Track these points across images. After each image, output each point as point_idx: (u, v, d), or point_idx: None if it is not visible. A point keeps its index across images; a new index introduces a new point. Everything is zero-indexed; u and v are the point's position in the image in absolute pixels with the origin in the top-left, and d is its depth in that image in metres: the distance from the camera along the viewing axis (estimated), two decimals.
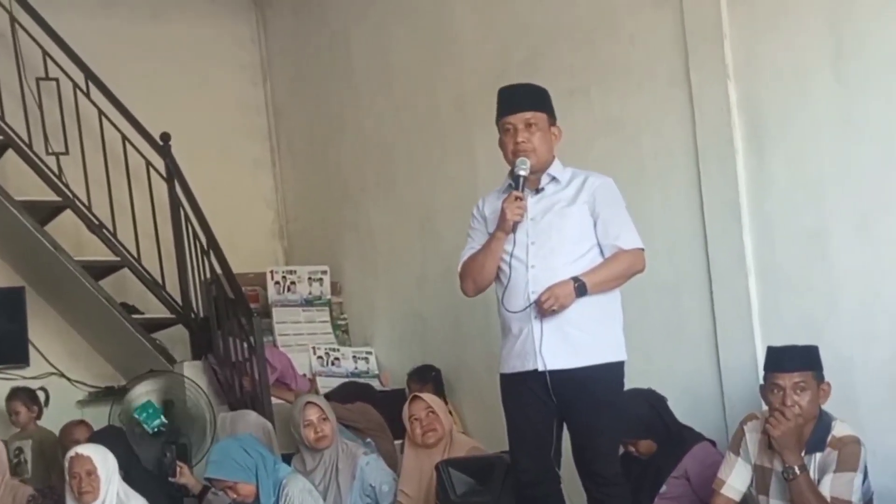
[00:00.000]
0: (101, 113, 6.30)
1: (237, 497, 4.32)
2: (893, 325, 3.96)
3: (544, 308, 3.66)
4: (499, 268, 3.83)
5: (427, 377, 5.91)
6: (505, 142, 3.81)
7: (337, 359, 6.56)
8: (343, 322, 6.95)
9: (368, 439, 5.26)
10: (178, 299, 6.27)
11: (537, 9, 5.42)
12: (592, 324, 3.72)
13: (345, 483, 4.85)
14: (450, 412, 5.67)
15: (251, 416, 5.18)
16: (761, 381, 3.93)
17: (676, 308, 4.73)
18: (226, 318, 5.87)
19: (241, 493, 4.30)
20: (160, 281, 6.28)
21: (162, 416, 5.46)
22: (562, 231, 3.76)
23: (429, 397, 4.97)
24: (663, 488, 4.31)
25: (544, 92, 3.87)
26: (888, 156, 3.98)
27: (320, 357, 6.54)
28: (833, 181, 4.16)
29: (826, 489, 3.66)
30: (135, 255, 6.23)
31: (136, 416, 5.52)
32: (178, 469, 4.97)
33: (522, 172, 3.73)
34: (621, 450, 4.24)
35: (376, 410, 5.57)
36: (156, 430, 5.46)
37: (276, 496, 4.30)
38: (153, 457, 5.31)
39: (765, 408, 3.90)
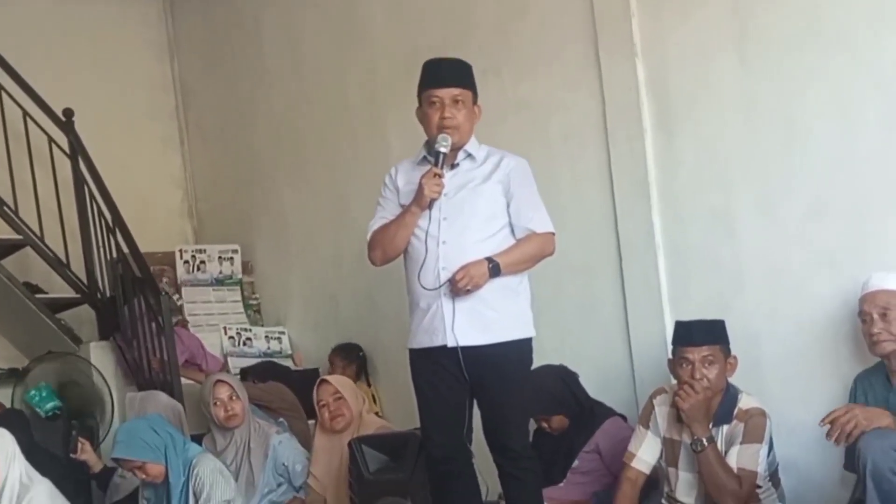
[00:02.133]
0: (1, 88, 6.12)
1: (146, 477, 4.26)
2: (797, 300, 4.09)
3: (459, 287, 3.66)
4: (409, 243, 3.82)
5: (353, 357, 5.89)
6: (429, 114, 3.77)
7: (249, 339, 6.50)
8: (255, 302, 6.88)
9: (281, 419, 5.23)
10: (84, 279, 6.14)
11: None
12: (501, 301, 3.74)
13: (257, 462, 4.81)
14: (372, 396, 5.68)
15: (161, 397, 5.11)
16: (670, 356, 4.02)
17: (588, 286, 4.79)
18: (132, 297, 5.77)
19: (149, 473, 4.24)
20: (64, 260, 6.13)
21: (56, 399, 5.35)
22: (474, 208, 3.77)
23: (336, 380, 4.93)
24: (575, 463, 4.38)
25: (470, 68, 3.86)
26: (790, 137, 4.09)
27: (231, 337, 6.47)
28: (738, 161, 4.27)
29: (733, 460, 3.76)
30: (38, 233, 6.08)
31: (28, 400, 5.42)
32: (79, 445, 4.87)
33: (443, 149, 3.72)
34: (534, 425, 4.29)
35: (290, 390, 5.54)
36: (49, 413, 5.36)
37: (186, 476, 4.25)
38: (58, 439, 5.21)
39: (673, 382, 3.99)
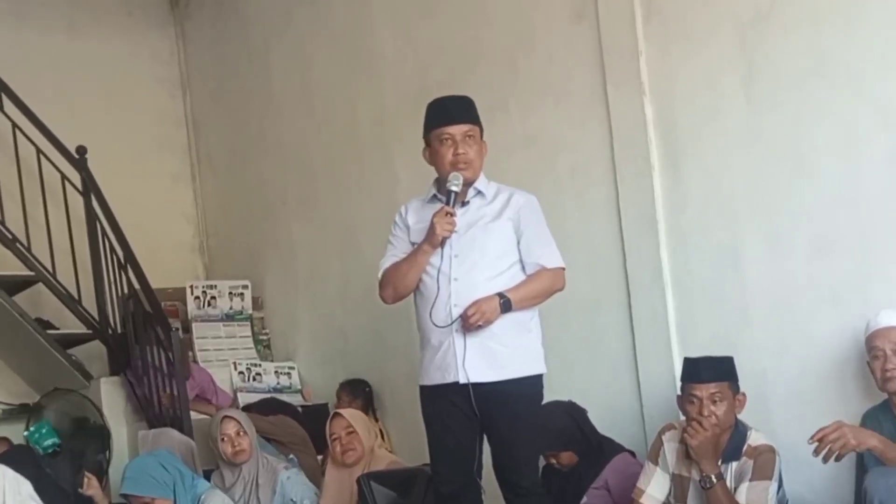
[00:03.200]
0: (14, 126, 6.18)
1: None
2: (803, 337, 4.08)
3: (470, 323, 3.68)
4: (421, 280, 3.84)
5: (359, 392, 5.90)
6: (441, 152, 3.79)
7: (259, 374, 6.51)
8: (265, 337, 6.91)
9: (291, 455, 5.23)
10: (95, 314, 6.17)
11: (456, 26, 5.48)
12: (512, 337, 3.75)
13: (265, 498, 4.81)
14: (379, 431, 5.67)
15: (173, 434, 5.12)
16: (678, 392, 4.01)
17: (596, 322, 4.80)
18: (143, 333, 5.80)
19: None
20: (76, 296, 6.17)
21: (55, 436, 5.36)
22: (485, 246, 3.79)
23: (350, 414, 4.94)
24: (584, 499, 4.36)
25: (475, 105, 3.89)
26: (796, 173, 4.10)
27: (241, 372, 6.49)
28: (744, 197, 4.28)
29: (742, 497, 3.74)
30: (50, 269, 6.12)
31: (28, 437, 5.45)
32: (85, 481, 4.87)
33: (455, 188, 3.74)
34: (543, 462, 4.29)
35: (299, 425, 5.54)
36: (49, 450, 5.37)
37: None
38: (68, 474, 5.22)
39: (682, 418, 3.98)
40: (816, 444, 3.34)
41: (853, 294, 3.91)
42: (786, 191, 4.13)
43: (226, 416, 4.93)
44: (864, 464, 3.55)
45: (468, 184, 3.81)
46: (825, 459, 3.33)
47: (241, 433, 4.87)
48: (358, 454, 4.76)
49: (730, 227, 4.31)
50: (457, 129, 3.79)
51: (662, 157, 4.53)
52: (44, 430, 5.31)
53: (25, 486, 4.40)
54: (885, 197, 3.85)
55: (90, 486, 4.87)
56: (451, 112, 3.83)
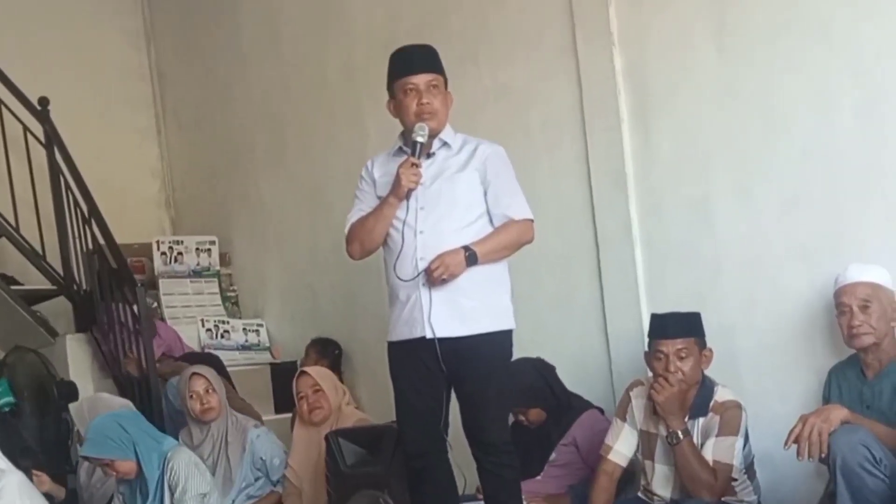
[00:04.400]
0: None
1: (116, 475, 4.22)
2: (773, 292, 4.08)
3: (434, 277, 3.63)
4: (388, 234, 3.78)
5: (328, 353, 5.83)
6: (405, 102, 3.72)
7: (227, 331, 6.45)
8: (233, 294, 6.84)
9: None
10: (60, 270, 6.09)
11: None
12: (481, 292, 3.71)
13: (234, 456, 4.78)
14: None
15: (110, 400, 4.97)
16: (646, 349, 4.00)
17: (565, 278, 4.77)
18: (109, 289, 5.72)
19: (119, 470, 4.20)
20: (41, 251, 6.08)
21: (11, 395, 5.30)
22: (451, 197, 3.73)
23: (316, 372, 4.90)
24: (552, 456, 4.37)
25: (438, 54, 3.81)
26: (768, 127, 4.08)
27: (209, 330, 6.42)
28: (716, 151, 4.25)
29: (708, 453, 3.75)
30: (13, 223, 6.02)
31: None
32: (34, 479, 4.76)
33: (420, 139, 3.68)
34: (511, 419, 4.27)
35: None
36: (5, 408, 5.32)
37: (161, 469, 4.21)
38: (33, 433, 5.19)
39: (650, 374, 3.97)
40: (794, 447, 3.24)
41: (823, 249, 3.90)
42: (757, 145, 4.10)
43: (194, 374, 4.88)
44: None
45: (433, 135, 3.75)
46: (812, 456, 3.22)
47: (210, 391, 4.83)
48: (325, 412, 4.73)
49: (700, 181, 4.28)
50: (420, 79, 3.72)
51: (632, 112, 4.49)
52: (0, 390, 5.25)
53: None
54: (857, 151, 3.83)
55: (41, 482, 4.76)
56: (414, 61, 3.76)
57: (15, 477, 4.37)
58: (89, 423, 4.44)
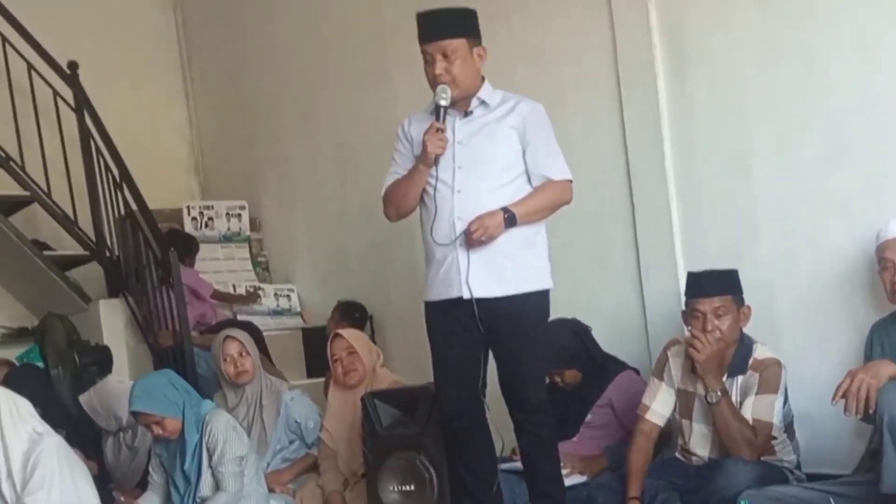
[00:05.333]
0: (4, 41, 6.06)
1: (162, 433, 4.21)
2: (812, 248, 4.02)
3: (473, 239, 3.61)
4: (424, 192, 3.76)
5: (348, 316, 5.80)
6: (426, 70, 3.72)
7: (258, 297, 6.45)
8: (263, 259, 6.83)
9: None
10: (92, 236, 6.09)
11: None
12: (519, 252, 3.68)
13: (269, 419, 4.78)
14: None
15: (118, 385, 4.99)
16: (682, 308, 3.95)
17: (600, 237, 4.73)
18: (142, 254, 5.72)
19: (167, 428, 4.19)
20: (72, 216, 6.09)
21: (41, 362, 5.35)
22: (489, 156, 3.70)
23: (350, 334, 4.86)
24: (588, 417, 4.34)
25: (464, 13, 3.75)
26: (807, 79, 4.00)
27: (241, 295, 6.42)
28: (754, 105, 4.18)
29: (748, 411, 3.72)
30: (45, 189, 6.02)
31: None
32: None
33: (443, 102, 3.65)
34: (546, 380, 4.25)
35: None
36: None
37: (200, 432, 4.21)
38: (66, 397, 5.23)
39: (687, 333, 3.92)
40: (841, 402, 3.17)
41: (864, 204, 3.83)
42: (796, 98, 4.03)
43: (228, 337, 4.87)
44: None
45: (467, 95, 3.71)
46: (859, 412, 3.16)
47: (244, 353, 4.83)
48: (360, 375, 4.72)
49: (738, 136, 4.21)
50: (434, 48, 3.67)
51: (668, 68, 4.43)
52: (30, 357, 5.31)
53: (22, 403, 4.38)
54: None
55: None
56: (427, 29, 3.71)
57: (53, 440, 4.40)
58: (136, 381, 4.43)
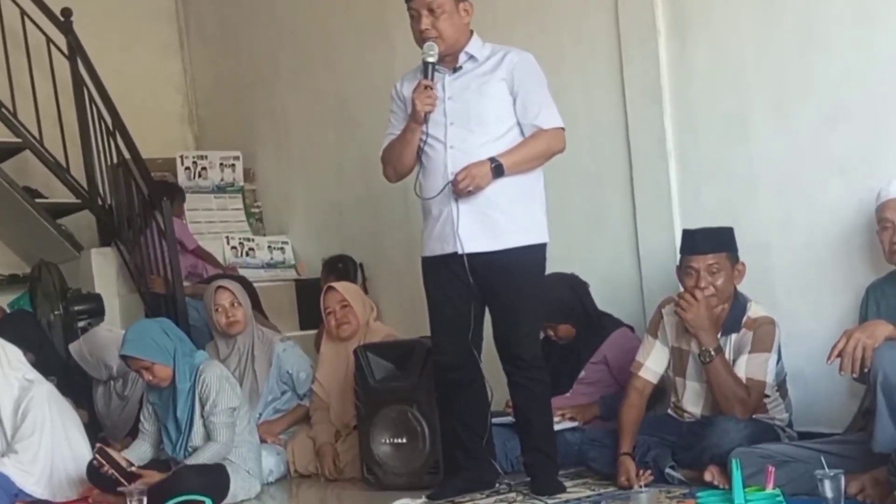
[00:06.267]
0: None
1: (153, 379, 4.21)
2: (809, 209, 4.02)
3: (460, 188, 3.61)
4: (420, 150, 3.75)
5: (335, 269, 5.80)
6: (412, 27, 3.72)
7: (252, 249, 6.42)
8: (257, 210, 6.81)
9: None
10: (84, 184, 6.06)
11: None
12: (513, 205, 3.67)
13: (261, 370, 4.79)
14: None
15: (108, 334, 4.97)
16: (678, 265, 3.96)
17: (597, 195, 4.72)
18: (133, 203, 5.70)
19: (157, 374, 4.20)
20: (64, 164, 6.05)
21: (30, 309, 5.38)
22: (480, 110, 3.69)
23: (344, 287, 4.86)
24: (582, 373, 4.36)
25: None
26: (807, 41, 3.99)
27: (234, 247, 6.40)
28: (754, 67, 4.17)
29: (741, 370, 3.72)
30: (37, 136, 5.98)
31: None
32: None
33: (430, 59, 3.64)
34: (541, 334, 4.25)
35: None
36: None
37: (192, 381, 4.22)
38: (59, 343, 5.23)
39: (682, 291, 3.93)
40: (837, 361, 3.15)
41: (862, 164, 3.83)
42: (795, 60, 4.02)
43: (220, 287, 4.87)
44: None
45: (454, 51, 3.70)
46: (854, 371, 3.14)
47: (236, 304, 4.83)
48: (353, 328, 4.72)
49: (737, 96, 4.20)
50: (419, 4, 3.66)
51: (668, 25, 4.40)
52: (21, 303, 5.31)
53: (12, 351, 4.39)
54: None
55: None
56: None
57: (44, 387, 4.41)
58: (130, 326, 4.42)
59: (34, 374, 4.43)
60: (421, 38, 3.67)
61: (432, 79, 3.65)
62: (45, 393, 4.37)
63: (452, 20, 3.67)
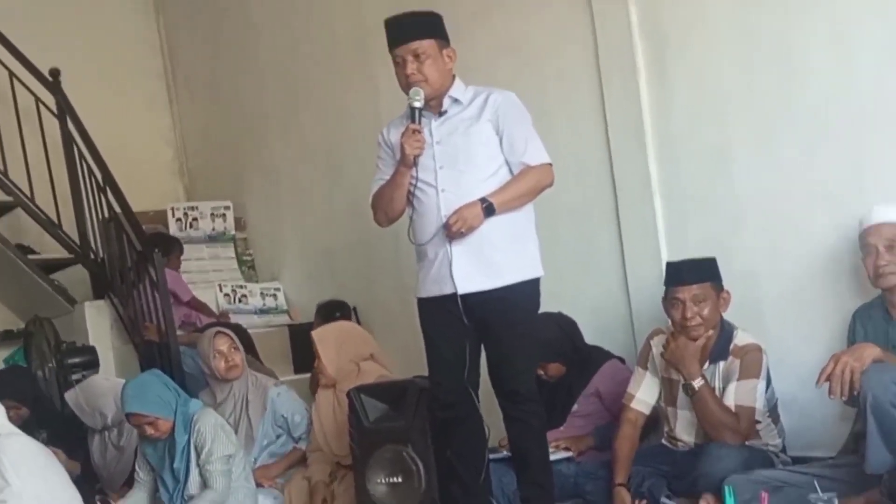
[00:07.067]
0: None
1: (154, 433, 4.20)
2: (796, 236, 4.05)
3: (452, 231, 3.64)
4: (410, 195, 3.79)
5: (332, 318, 5.81)
6: (398, 74, 3.76)
7: (244, 296, 6.46)
8: (249, 258, 6.85)
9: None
10: (76, 239, 6.09)
11: None
12: (508, 242, 3.71)
13: (255, 415, 4.79)
14: None
15: (103, 382, 4.99)
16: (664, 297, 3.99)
17: (584, 230, 4.76)
18: (126, 256, 5.73)
19: (160, 428, 4.18)
20: (56, 221, 6.09)
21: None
22: (468, 152, 3.73)
23: (317, 335, 4.79)
24: (575, 406, 4.37)
25: (430, 17, 3.79)
26: (787, 70, 4.04)
27: (227, 294, 6.44)
28: (735, 99, 4.22)
29: (730, 397, 3.75)
30: (28, 194, 6.03)
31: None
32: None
33: (417, 104, 3.69)
34: None
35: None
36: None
37: (188, 432, 4.21)
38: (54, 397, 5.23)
39: (670, 322, 3.96)
40: (826, 385, 3.20)
41: (846, 190, 3.87)
42: (776, 90, 4.07)
43: (218, 332, 4.89)
44: None
45: (439, 95, 3.74)
46: (843, 395, 3.19)
47: (234, 348, 4.84)
48: (326, 378, 4.69)
49: (719, 127, 4.25)
50: (404, 50, 3.70)
51: (649, 61, 4.46)
52: (16, 358, 5.32)
53: None
54: (877, 90, 3.79)
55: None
56: (396, 33, 3.75)
57: (18, 441, 4.21)
58: (129, 381, 4.40)
59: (10, 429, 4.29)
60: (406, 84, 3.72)
61: (419, 123, 3.70)
62: (17, 446, 4.17)
63: (437, 65, 3.73)
